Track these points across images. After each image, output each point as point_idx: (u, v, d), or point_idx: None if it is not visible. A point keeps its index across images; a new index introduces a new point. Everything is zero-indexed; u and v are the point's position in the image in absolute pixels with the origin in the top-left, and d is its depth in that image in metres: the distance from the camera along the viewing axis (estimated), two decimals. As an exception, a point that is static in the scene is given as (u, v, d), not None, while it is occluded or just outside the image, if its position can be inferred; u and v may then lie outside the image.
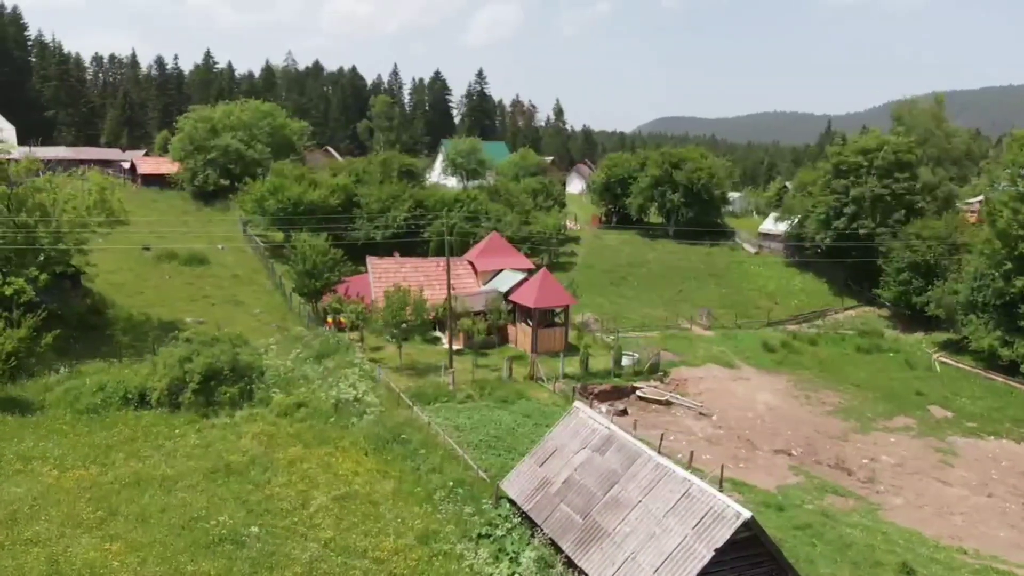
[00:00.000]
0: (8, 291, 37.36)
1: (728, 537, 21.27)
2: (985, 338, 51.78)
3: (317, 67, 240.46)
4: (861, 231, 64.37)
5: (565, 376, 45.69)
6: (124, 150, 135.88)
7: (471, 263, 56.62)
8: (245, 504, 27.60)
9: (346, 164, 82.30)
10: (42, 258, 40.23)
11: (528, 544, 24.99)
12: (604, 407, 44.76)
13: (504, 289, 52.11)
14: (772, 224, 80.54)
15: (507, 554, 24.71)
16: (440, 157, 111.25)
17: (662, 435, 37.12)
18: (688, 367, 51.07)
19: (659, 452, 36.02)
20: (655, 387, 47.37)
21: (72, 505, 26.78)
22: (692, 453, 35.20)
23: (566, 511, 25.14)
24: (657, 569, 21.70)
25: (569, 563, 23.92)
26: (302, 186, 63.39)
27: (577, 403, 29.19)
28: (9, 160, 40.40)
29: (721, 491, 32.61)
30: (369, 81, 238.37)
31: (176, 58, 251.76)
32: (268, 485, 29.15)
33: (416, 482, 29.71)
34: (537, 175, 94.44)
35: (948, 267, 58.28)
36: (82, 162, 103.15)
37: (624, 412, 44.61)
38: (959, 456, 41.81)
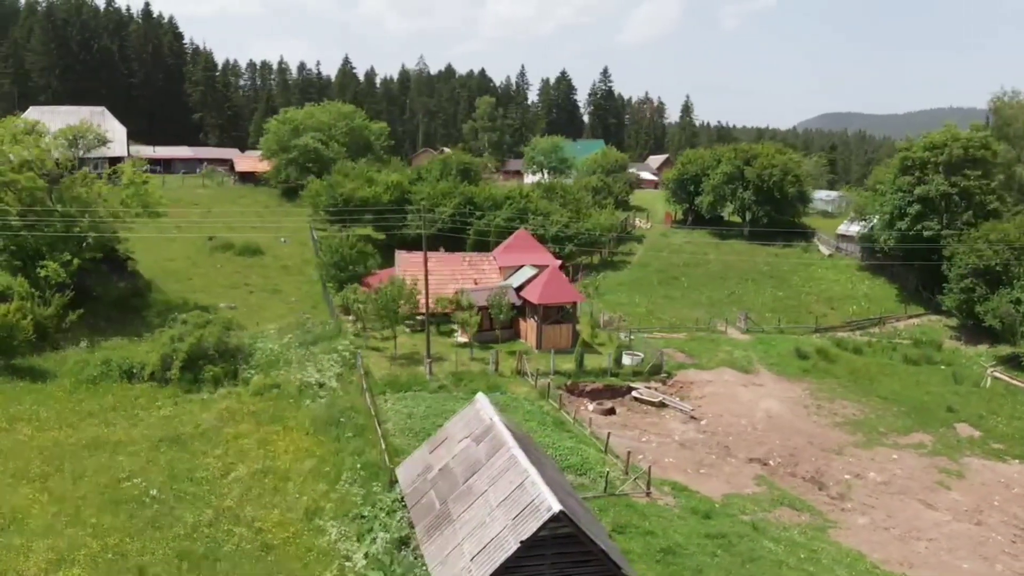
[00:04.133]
0: (42, 273, 42.42)
1: (535, 529, 21.37)
2: (1041, 353, 46.71)
3: (449, 70, 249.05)
4: (926, 232, 59.33)
5: (557, 373, 45.80)
6: (242, 149, 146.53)
7: (495, 259, 57.66)
8: (171, 470, 30.37)
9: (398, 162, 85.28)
10: (85, 245, 45.25)
11: (392, 527, 25.98)
12: (592, 405, 44.65)
13: (517, 285, 52.76)
14: (849, 225, 75.63)
15: (371, 534, 25.82)
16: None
17: (608, 434, 36.67)
18: (699, 370, 49.60)
19: (605, 451, 35.96)
20: (651, 388, 46.48)
21: (28, 460, 30.56)
22: (628, 453, 34.61)
23: (431, 497, 25.89)
24: (474, 557, 22.14)
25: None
26: (355, 183, 66.80)
27: (479, 394, 29.71)
28: (48, 157, 45.47)
29: (648, 493, 32.27)
30: (498, 82, 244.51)
31: (319, 63, 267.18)
32: (203, 456, 31.81)
33: (333, 462, 31.37)
34: (615, 172, 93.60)
35: (1019, 274, 52.77)
36: (200, 161, 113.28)
37: (612, 411, 44.23)
38: (965, 479, 38.31)
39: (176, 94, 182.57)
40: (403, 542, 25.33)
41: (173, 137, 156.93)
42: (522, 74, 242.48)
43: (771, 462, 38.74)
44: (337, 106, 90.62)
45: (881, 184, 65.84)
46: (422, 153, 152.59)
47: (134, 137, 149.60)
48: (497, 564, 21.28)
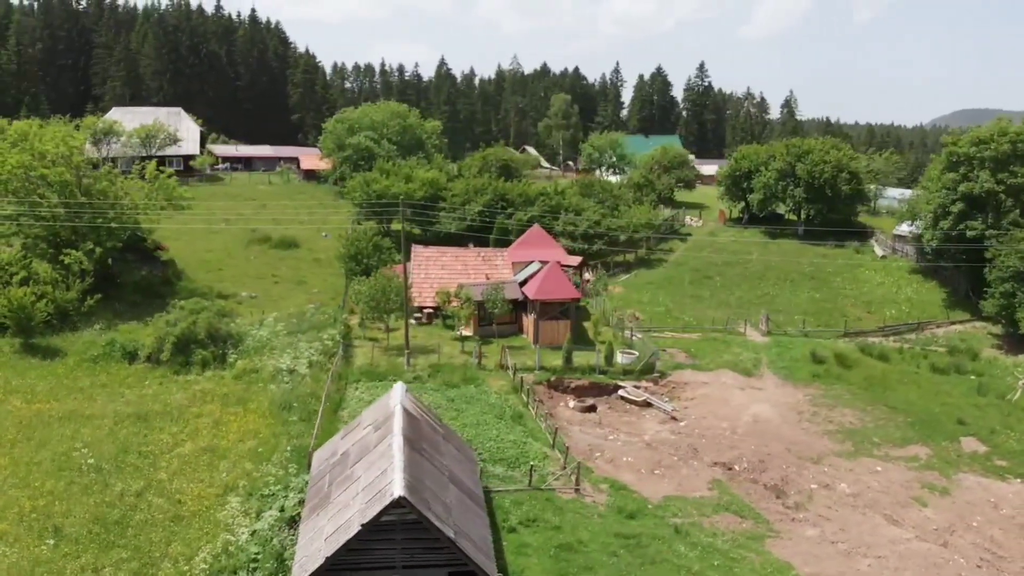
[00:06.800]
0: (66, 261, 46.30)
1: (375, 513, 21.96)
2: (1075, 365, 42.68)
3: (544, 69, 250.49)
4: (969, 232, 55.09)
5: (543, 368, 45.82)
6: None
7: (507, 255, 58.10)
8: (124, 443, 32.75)
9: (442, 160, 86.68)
10: (108, 234, 48.94)
11: (288, 507, 27.13)
12: (573, 402, 44.46)
13: (521, 280, 53.03)
14: (900, 225, 71.10)
15: (268, 511, 27.06)
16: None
17: (556, 429, 36.57)
18: (697, 371, 48.27)
19: (552, 446, 35.92)
20: (639, 387, 45.69)
21: (6, 429, 33.66)
22: (568, 449, 34.39)
23: (325, 480, 26.91)
24: (327, 538, 22.99)
25: (309, 527, 25.69)
26: (389, 180, 68.79)
27: (398, 383, 30.37)
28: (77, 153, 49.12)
29: (577, 489, 32.12)
30: (592, 80, 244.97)
31: (416, 65, 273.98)
32: (159, 432, 34.06)
33: (273, 444, 32.89)
34: (674, 169, 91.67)
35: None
36: (279, 159, 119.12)
37: (592, 408, 43.84)
38: (950, 496, 35.69)
39: (279, 96, 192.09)
40: (294, 521, 26.43)
41: (274, 137, 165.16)
42: (616, 71, 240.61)
43: (736, 467, 37.41)
44: (392, 105, 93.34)
45: (930, 182, 61.70)
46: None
47: (237, 137, 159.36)
48: (339, 544, 22.00)
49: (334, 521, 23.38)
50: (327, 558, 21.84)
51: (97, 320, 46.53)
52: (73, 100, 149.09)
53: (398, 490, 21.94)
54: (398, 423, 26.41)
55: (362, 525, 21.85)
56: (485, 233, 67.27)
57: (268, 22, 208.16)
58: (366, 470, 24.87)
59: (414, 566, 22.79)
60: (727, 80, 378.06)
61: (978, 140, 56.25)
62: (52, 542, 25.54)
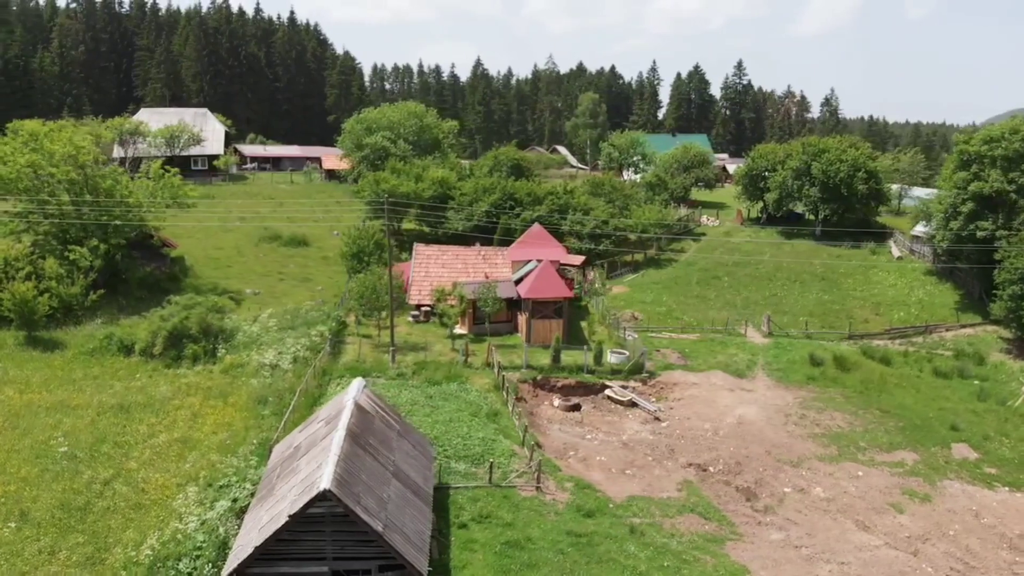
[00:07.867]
0: (72, 257, 47.92)
1: (302, 505, 22.40)
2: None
3: (580, 69, 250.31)
4: (979, 233, 53.43)
5: (530, 367, 45.93)
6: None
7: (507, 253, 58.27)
8: (102, 433, 33.85)
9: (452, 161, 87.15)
10: (111, 231, 50.46)
11: (240, 498, 27.78)
12: (558, 401, 44.50)
13: (517, 279, 53.19)
14: (915, 225, 69.24)
15: (221, 501, 27.76)
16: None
17: (526, 426, 36.67)
18: (687, 372, 47.86)
19: (523, 444, 36.08)
20: (625, 387, 45.50)
21: (-6, 418, 34.99)
22: (534, 446, 34.41)
23: (275, 473, 27.48)
24: (262, 528, 23.53)
25: (257, 517, 26.29)
26: (399, 179, 69.57)
27: (358, 379, 30.84)
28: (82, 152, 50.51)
29: (538, 487, 32.24)
30: (628, 78, 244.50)
31: (453, 66, 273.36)
32: (138, 423, 35.11)
33: (243, 437, 33.66)
34: (694, 168, 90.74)
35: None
36: (306, 159, 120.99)
37: (576, 408, 43.86)
38: (930, 503, 34.82)
39: (316, 97, 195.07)
40: (244, 511, 27.05)
41: (313, 138, 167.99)
42: (653, 70, 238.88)
43: (711, 468, 37.06)
44: (409, 106, 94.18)
45: (944, 181, 60.04)
46: (529, 150, 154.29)
47: (276, 137, 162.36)
48: (268, 534, 22.52)
49: (270, 512, 23.94)
50: (256, 547, 22.39)
51: (101, 315, 48.10)
52: (114, 102, 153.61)
53: (325, 483, 22.38)
54: (345, 418, 26.89)
55: (289, 516, 22.35)
56: (495, 233, 67.61)
57: (307, 24, 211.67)
58: (308, 463, 25.38)
59: (344, 558, 23.19)
60: (775, 79, 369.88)
61: (989, 138, 54.54)
62: (14, 525, 26.60)
